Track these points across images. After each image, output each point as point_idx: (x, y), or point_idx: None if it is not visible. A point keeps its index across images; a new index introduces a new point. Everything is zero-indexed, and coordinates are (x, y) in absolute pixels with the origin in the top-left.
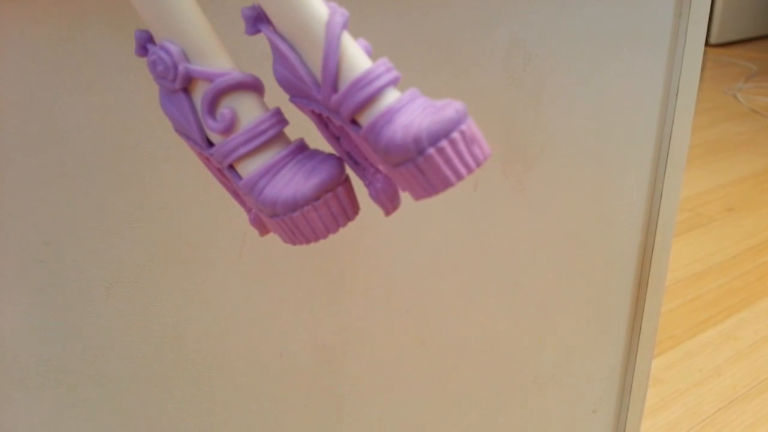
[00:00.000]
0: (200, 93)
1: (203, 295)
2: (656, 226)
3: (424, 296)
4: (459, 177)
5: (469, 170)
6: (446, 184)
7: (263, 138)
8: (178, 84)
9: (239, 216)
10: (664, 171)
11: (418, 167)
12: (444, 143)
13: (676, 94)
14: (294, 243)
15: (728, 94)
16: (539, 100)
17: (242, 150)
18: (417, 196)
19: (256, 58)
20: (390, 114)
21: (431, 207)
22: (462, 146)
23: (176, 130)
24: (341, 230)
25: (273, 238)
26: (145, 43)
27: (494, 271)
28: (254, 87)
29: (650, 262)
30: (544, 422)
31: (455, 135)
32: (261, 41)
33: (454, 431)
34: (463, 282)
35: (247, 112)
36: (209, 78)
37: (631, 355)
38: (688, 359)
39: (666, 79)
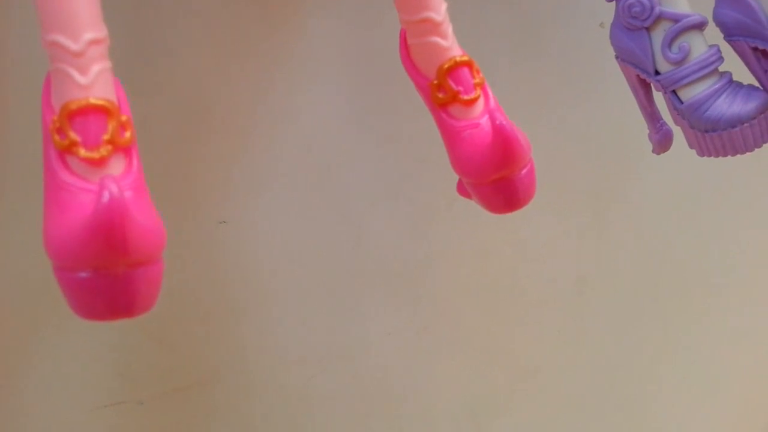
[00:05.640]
0: (660, 31)
1: None
2: None
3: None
4: None
5: None
6: None
7: (710, 69)
8: (648, 23)
9: None
10: None
11: None
12: None
13: None
14: (716, 155)
15: None
16: None
17: (692, 77)
18: None
19: None
20: None
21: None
22: None
23: (621, 58)
24: None
25: None
26: None
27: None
28: (703, 26)
29: None
30: None
31: None
32: None
33: None
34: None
35: (698, 47)
36: (676, 18)
37: None
38: None
39: None
